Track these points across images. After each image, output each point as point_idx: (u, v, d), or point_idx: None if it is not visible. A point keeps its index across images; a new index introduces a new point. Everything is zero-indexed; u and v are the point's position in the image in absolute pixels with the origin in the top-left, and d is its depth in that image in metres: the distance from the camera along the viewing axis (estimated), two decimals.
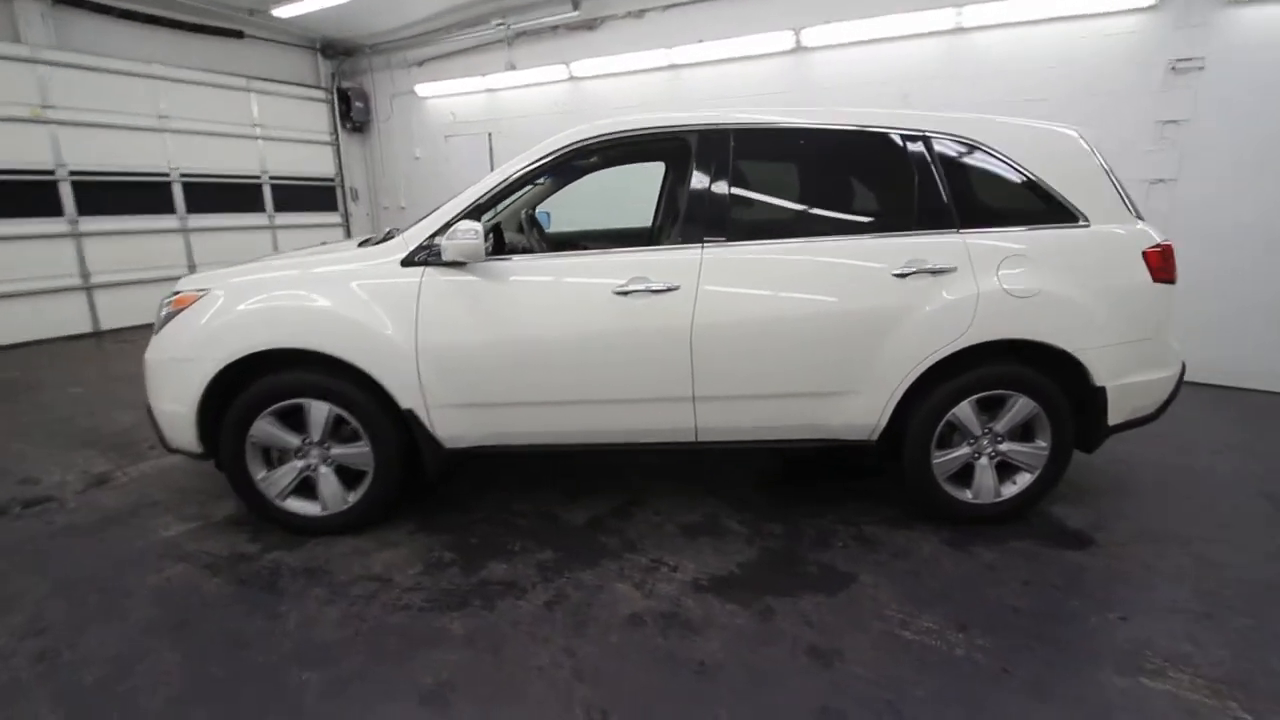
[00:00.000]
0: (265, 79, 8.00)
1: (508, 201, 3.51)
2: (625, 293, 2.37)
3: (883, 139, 2.51)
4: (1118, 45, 4.66)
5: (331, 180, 8.95)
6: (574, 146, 2.50)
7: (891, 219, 2.50)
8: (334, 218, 9.08)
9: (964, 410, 2.53)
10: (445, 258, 2.32)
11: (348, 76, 8.76)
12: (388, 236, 2.62)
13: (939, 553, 2.47)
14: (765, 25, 5.64)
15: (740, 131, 2.50)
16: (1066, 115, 4.36)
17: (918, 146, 2.50)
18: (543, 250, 3.07)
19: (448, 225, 2.41)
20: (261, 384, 2.44)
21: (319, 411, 2.47)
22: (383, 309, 2.38)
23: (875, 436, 2.58)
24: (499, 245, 2.95)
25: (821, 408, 2.51)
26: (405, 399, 2.43)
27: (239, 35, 7.66)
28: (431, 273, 2.41)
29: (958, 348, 2.42)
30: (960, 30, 5.04)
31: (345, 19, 7.49)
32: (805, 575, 2.32)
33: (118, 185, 6.85)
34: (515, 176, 2.49)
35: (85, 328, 6.81)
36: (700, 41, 5.97)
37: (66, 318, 6.66)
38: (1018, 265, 2.43)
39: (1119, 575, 2.34)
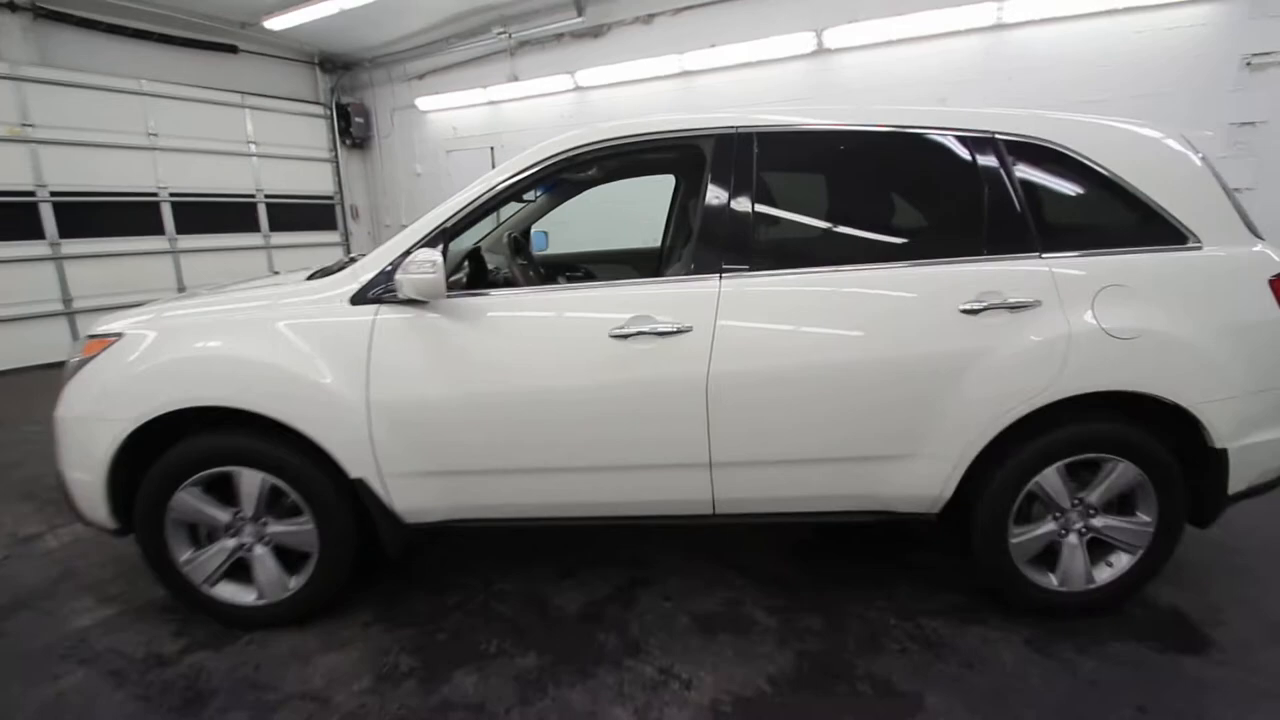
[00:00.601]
0: (261, 95, 7.71)
1: (501, 221, 3.10)
2: (625, 335, 1.91)
3: (941, 142, 2.03)
4: (1182, 39, 4.17)
5: (331, 198, 8.63)
6: (565, 156, 2.05)
7: (955, 241, 2.01)
8: (333, 237, 8.75)
9: (1050, 478, 2.03)
10: (399, 295, 1.87)
11: (347, 91, 8.47)
12: (346, 265, 2.18)
13: (1024, 661, 1.95)
14: (784, 27, 5.21)
15: (765, 135, 2.03)
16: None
17: (986, 151, 2.02)
18: (533, 279, 2.63)
19: (407, 254, 1.96)
20: (181, 449, 2.00)
21: (250, 481, 2.02)
22: (326, 357, 1.93)
23: (938, 509, 2.08)
24: (479, 275, 2.51)
25: (870, 475, 2.02)
26: (354, 466, 1.98)
27: (233, 50, 7.38)
28: (387, 312, 1.96)
29: (1044, 402, 1.92)
30: (1001, 26, 4.58)
31: (341, 31, 7.19)
32: (857, 697, 1.81)
33: (103, 206, 6.54)
34: (493, 192, 2.05)
35: (67, 355, 6.46)
36: (713, 46, 5.55)
37: (47, 344, 6.32)
38: (1117, 298, 1.93)
39: (1255, 695, 1.81)
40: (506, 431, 1.96)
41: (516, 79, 6.83)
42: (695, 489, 2.03)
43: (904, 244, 2.03)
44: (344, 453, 1.96)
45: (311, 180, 8.35)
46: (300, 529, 2.06)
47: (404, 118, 8.14)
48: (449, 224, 2.01)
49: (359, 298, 1.98)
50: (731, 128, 2.03)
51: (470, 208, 2.04)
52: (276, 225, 7.97)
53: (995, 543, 2.07)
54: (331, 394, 1.92)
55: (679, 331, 1.91)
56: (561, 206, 3.20)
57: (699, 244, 2.00)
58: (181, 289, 7.14)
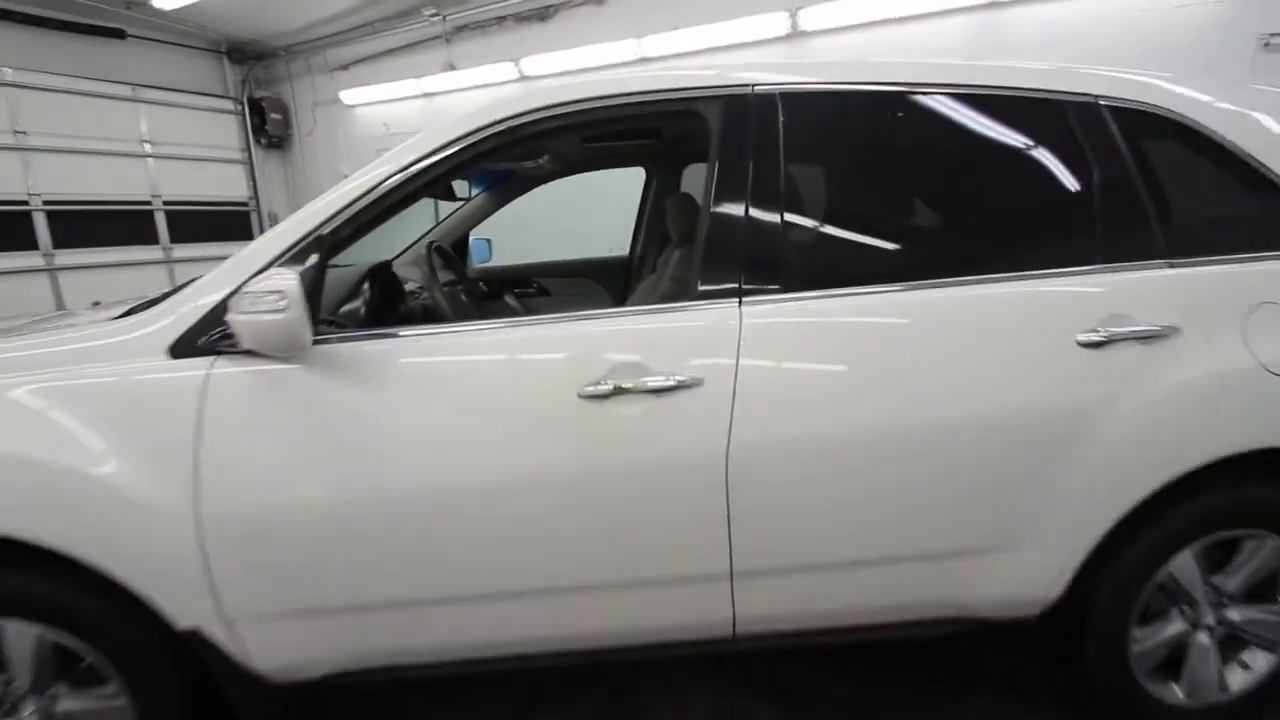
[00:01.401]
0: (157, 87, 6.72)
1: (448, 226, 2.41)
2: (602, 395, 1.26)
3: (1037, 108, 1.47)
4: (1192, 18, 3.80)
5: (245, 204, 7.65)
6: (502, 128, 1.40)
7: (1060, 245, 1.45)
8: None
9: (1185, 564, 1.49)
10: (239, 345, 1.19)
11: (262, 84, 7.54)
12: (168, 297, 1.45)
13: None
14: (754, 6, 4.67)
15: (795, 98, 1.42)
16: None
17: (1090, 121, 1.47)
18: (466, 306, 1.95)
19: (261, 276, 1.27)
20: None
21: (21, 639, 1.28)
22: (123, 441, 1.22)
23: (1040, 612, 1.51)
24: (389, 304, 1.82)
25: (954, 575, 1.44)
26: (182, 610, 1.27)
27: (120, 35, 6.39)
28: (227, 366, 1.26)
29: (1190, 467, 1.38)
30: (995, 4, 4.15)
31: (249, 13, 6.31)
32: None
33: None
34: (400, 179, 1.38)
35: None
36: (675, 29, 4.97)
37: None
38: (1274, 319, 1.41)
39: None
40: (426, 545, 1.29)
41: (454, 68, 6.11)
42: (709, 608, 1.41)
43: (994, 250, 1.45)
44: (164, 591, 1.25)
45: (220, 184, 7.36)
46: (108, 704, 1.34)
47: (327, 113, 7.28)
48: (329, 228, 1.33)
49: (183, 346, 1.27)
50: (746, 86, 1.41)
51: (365, 203, 1.37)
52: (179, 236, 6.96)
53: (1113, 652, 1.52)
54: (133, 501, 1.21)
55: (683, 386, 1.28)
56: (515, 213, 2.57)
57: (706, 256, 1.38)
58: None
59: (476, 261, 2.95)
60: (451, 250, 2.22)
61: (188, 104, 7.02)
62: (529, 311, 2.31)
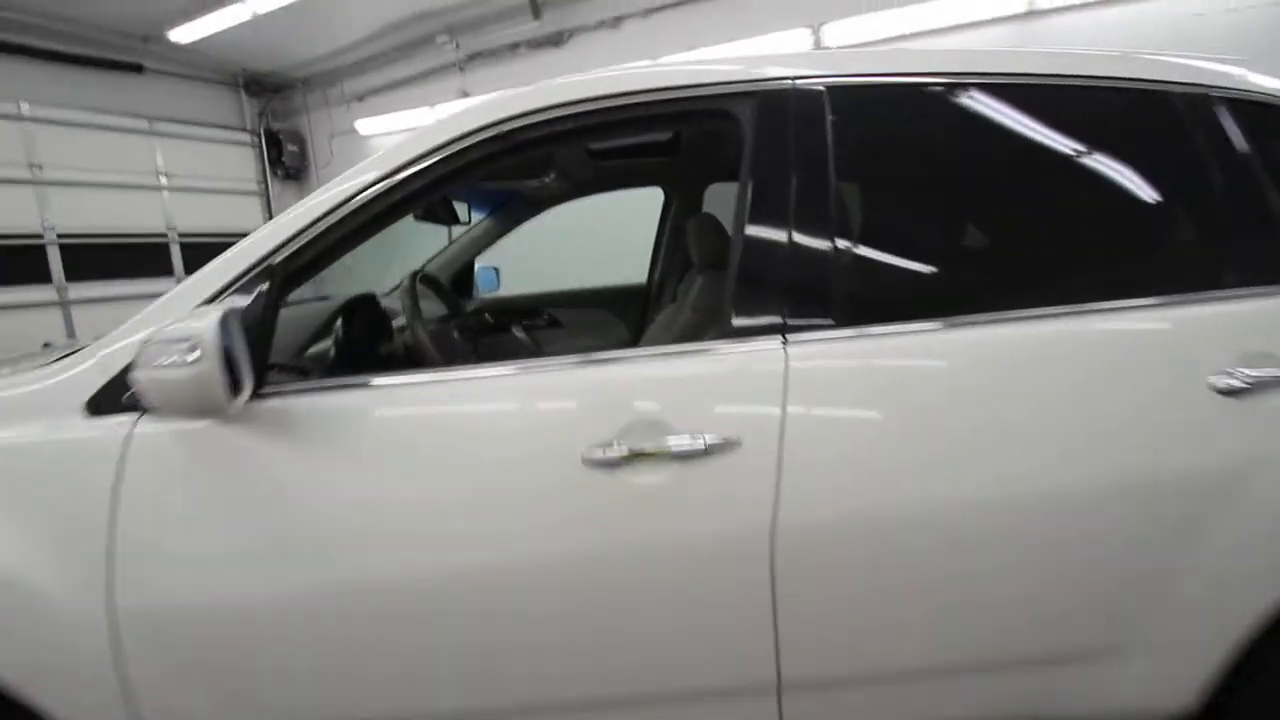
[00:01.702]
0: (174, 120, 6.73)
1: (449, 255, 2.20)
2: (611, 461, 1.01)
3: (1140, 101, 1.21)
4: (1250, 22, 3.53)
5: None
6: (494, 133, 1.16)
7: (1178, 265, 1.18)
8: None
9: None
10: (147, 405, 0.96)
11: (279, 117, 7.55)
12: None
13: None
14: (775, 24, 4.51)
15: (848, 92, 1.17)
16: None
17: (1207, 117, 1.20)
18: (453, 346, 1.71)
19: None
20: None
21: None
22: (22, 521, 0.99)
23: None
24: (362, 349, 1.57)
25: (1060, 682, 1.14)
26: None
27: (138, 69, 6.42)
28: (152, 427, 1.03)
29: None
30: (1034, 13, 3.91)
31: (265, 46, 6.31)
32: None
33: None
34: (373, 195, 1.15)
35: None
36: (692, 50, 4.81)
37: None
38: None
39: None
40: (390, 650, 1.03)
41: (467, 95, 6.02)
42: None
43: (1097, 274, 1.18)
44: (68, 704, 1.01)
45: (236, 216, 7.31)
46: None
47: (344, 144, 7.24)
48: (282, 255, 1.10)
49: (104, 400, 1.04)
50: (786, 80, 1.17)
51: (329, 223, 1.13)
52: (194, 268, 6.78)
53: None
54: (28, 594, 0.97)
55: (714, 449, 1.01)
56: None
57: (740, 284, 1.12)
58: None
59: (484, 291, 2.74)
60: (444, 280, 1.99)
61: (204, 137, 7.03)
62: (536, 346, 2.08)
